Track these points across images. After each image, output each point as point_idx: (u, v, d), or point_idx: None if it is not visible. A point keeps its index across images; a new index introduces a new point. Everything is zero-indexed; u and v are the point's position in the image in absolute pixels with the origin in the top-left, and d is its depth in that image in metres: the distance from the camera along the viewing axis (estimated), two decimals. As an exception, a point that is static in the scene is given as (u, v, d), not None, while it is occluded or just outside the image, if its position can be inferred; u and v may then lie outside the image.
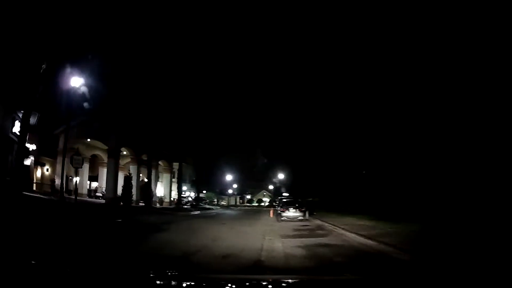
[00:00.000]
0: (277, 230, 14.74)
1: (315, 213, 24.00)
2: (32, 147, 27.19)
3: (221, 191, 74.94)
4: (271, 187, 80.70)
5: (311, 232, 14.10)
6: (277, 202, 29.84)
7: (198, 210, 31.17)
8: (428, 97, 20.84)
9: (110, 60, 29.20)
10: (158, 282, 2.35)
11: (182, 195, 57.11)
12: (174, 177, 74.03)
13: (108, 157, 30.92)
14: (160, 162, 43.24)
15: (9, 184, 17.82)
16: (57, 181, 31.38)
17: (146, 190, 32.09)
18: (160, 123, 42.14)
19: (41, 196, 22.06)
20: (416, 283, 2.63)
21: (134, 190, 31.35)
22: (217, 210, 39.27)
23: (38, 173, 33.35)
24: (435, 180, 19.75)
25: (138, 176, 34.18)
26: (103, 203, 28.77)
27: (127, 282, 2.30)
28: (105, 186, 36.99)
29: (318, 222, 19.22)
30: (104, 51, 27.23)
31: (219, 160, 66.97)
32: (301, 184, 45.29)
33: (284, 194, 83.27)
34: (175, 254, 7.49)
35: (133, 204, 29.69)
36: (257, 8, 46.83)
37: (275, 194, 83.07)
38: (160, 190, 45.49)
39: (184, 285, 2.36)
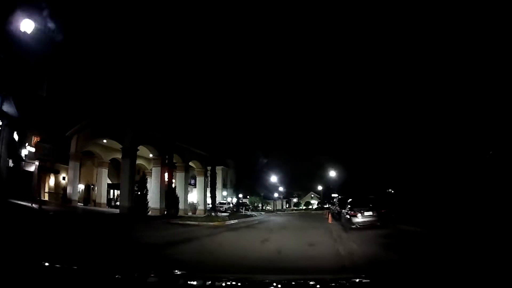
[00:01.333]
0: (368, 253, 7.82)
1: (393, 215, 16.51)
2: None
3: (266, 196, 67.94)
4: (319, 187, 72.70)
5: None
6: (336, 202, 22.42)
7: (236, 218, 24.77)
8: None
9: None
10: None
11: (221, 202, 51.85)
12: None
13: (122, 157, 25.50)
14: (192, 164, 37.54)
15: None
16: (69, 190, 26.95)
17: (170, 196, 26.21)
18: (190, 119, 36.70)
19: (27, 204, 16.93)
20: None
21: (154, 196, 25.75)
22: (260, 217, 32.59)
23: (52, 181, 28.98)
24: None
25: (163, 180, 28.47)
26: (114, 213, 23.38)
27: None
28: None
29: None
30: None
31: (263, 163, 60.16)
32: (359, 181, 37.25)
33: (334, 195, 76.11)
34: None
35: (152, 213, 23.96)
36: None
37: (325, 195, 75.27)
38: (194, 196, 39.83)
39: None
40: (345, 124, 52.33)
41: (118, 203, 29.86)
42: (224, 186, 70.73)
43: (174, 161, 33.71)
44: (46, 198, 26.32)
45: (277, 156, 64.57)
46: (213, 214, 26.61)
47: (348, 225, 14.35)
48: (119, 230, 14.48)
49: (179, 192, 34.30)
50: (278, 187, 68.88)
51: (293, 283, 2.80)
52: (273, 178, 61.98)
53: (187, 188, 35.66)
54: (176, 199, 27.00)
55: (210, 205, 53.70)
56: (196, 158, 36.50)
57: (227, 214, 33.79)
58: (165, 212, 26.30)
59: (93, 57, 27.52)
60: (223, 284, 2.58)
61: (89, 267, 3.02)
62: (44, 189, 27.08)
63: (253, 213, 35.65)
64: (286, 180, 71.20)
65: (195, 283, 2.37)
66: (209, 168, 40.62)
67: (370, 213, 14.13)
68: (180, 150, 32.85)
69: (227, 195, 69.81)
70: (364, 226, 13.68)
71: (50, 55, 18.44)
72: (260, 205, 68.41)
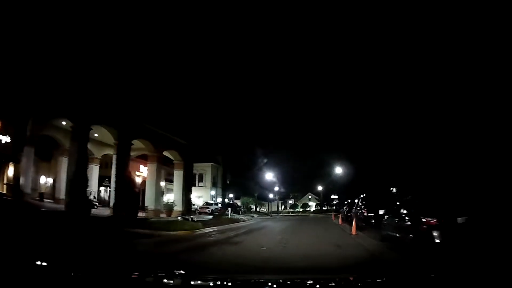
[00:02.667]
0: None
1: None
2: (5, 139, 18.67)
3: (260, 196, 60.65)
4: (319, 188, 65.90)
5: None
6: (360, 203, 15.41)
7: (216, 225, 18.04)
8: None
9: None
10: None
11: (208, 202, 45.10)
12: (201, 180, 62.59)
13: (71, 140, 19.07)
14: (169, 155, 30.66)
15: None
16: (22, 181, 20.65)
17: (126, 193, 19.29)
18: (168, 100, 29.84)
19: None
20: None
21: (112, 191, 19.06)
22: (251, 221, 25.66)
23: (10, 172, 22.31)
24: None
25: (123, 172, 21.50)
26: (56, 211, 16.80)
27: None
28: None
29: None
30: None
31: (258, 161, 53.01)
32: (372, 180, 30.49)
33: (333, 196, 69.68)
34: None
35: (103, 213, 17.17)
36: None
37: (325, 196, 68.59)
38: (174, 194, 32.88)
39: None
40: (354, 116, 45.73)
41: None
42: (214, 185, 63.84)
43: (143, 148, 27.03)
44: (4, 190, 20.34)
45: (274, 154, 57.70)
46: (185, 218, 19.61)
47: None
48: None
49: (149, 188, 27.57)
50: (273, 187, 62.02)
51: (289, 282, 2.72)
52: (269, 177, 54.66)
53: (160, 184, 28.76)
54: (135, 197, 20.06)
55: (198, 206, 47.06)
56: (173, 147, 29.56)
57: (211, 217, 27.01)
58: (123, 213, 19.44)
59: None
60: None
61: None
62: (3, 181, 20.76)
63: (242, 216, 28.66)
64: (283, 180, 64.21)
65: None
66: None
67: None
68: (150, 135, 25.98)
69: (216, 194, 62.93)
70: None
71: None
72: (253, 206, 61.63)
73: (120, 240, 10.12)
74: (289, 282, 2.67)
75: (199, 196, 58.02)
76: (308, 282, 2.66)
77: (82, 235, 10.36)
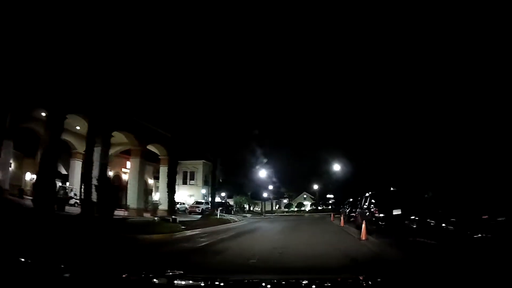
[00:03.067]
0: None
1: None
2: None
3: (254, 195, 58.35)
4: (315, 187, 63.82)
5: None
6: (368, 202, 13.10)
7: (201, 227, 15.81)
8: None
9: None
10: None
11: (198, 201, 42.92)
12: (193, 178, 60.18)
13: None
14: (154, 149, 28.38)
15: None
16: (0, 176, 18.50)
17: (105, 192, 16.97)
18: (152, 90, 27.51)
19: None
20: None
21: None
22: (242, 222, 23.44)
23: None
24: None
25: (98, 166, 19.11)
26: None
27: None
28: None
29: None
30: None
31: (250, 159, 50.68)
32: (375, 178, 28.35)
33: (329, 195, 67.62)
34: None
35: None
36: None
37: (321, 196, 66.53)
38: (159, 192, 30.51)
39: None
40: (352, 110, 43.54)
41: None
42: (206, 183, 61.44)
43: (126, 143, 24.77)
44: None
45: (269, 152, 55.44)
46: (165, 218, 17.26)
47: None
48: None
49: (132, 185, 25.26)
50: (268, 186, 59.82)
51: (284, 282, 2.75)
52: (263, 175, 52.27)
53: (143, 180, 26.44)
54: (112, 195, 17.75)
55: (187, 205, 44.71)
56: (158, 141, 27.22)
57: (200, 217, 24.77)
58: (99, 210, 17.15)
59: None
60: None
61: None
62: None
63: (233, 217, 26.34)
64: (277, 179, 62.01)
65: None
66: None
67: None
68: (132, 127, 23.67)
69: (208, 193, 60.57)
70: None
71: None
72: (246, 206, 59.44)
73: (67, 243, 7.80)
74: (283, 282, 2.69)
75: (191, 195, 55.77)
76: (304, 282, 2.67)
77: (27, 236, 8.05)
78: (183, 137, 29.46)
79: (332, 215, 24.55)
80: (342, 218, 17.13)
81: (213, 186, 26.74)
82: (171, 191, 27.12)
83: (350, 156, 33.73)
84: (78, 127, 23.19)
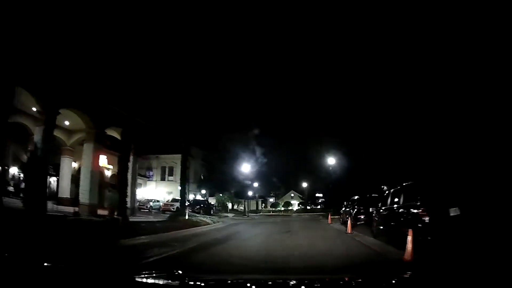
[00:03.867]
0: None
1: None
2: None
3: (238, 193, 53.40)
4: (304, 184, 59.53)
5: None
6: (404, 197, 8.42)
7: (154, 233, 10.98)
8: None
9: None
10: None
11: (175, 198, 38.30)
12: (171, 174, 55.03)
13: None
14: (114, 134, 23.39)
15: None
16: None
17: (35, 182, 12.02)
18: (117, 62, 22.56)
19: None
20: None
21: None
22: (218, 224, 18.57)
23: None
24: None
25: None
26: None
27: None
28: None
29: None
30: None
31: (235, 155, 45.77)
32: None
33: (318, 194, 63.54)
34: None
35: None
36: None
37: (310, 195, 62.35)
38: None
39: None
40: (351, 95, 39.22)
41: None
42: (188, 181, 56.64)
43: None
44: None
45: (254, 147, 50.79)
46: (115, 217, 12.41)
47: None
48: None
49: (84, 176, 20.38)
50: (253, 184, 55.23)
51: (270, 283, 2.68)
52: (247, 171, 47.23)
53: (96, 170, 21.39)
54: (40, 185, 12.80)
55: (157, 202, 39.74)
56: (118, 123, 22.20)
57: (167, 217, 19.96)
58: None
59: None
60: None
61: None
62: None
63: (207, 218, 20.94)
64: (263, 176, 57.48)
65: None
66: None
67: None
68: (83, 104, 18.65)
69: (187, 190, 55.64)
70: None
71: None
72: (230, 204, 54.79)
73: None
74: (270, 283, 2.60)
75: (169, 192, 51.07)
76: (291, 282, 2.56)
77: None
78: (149, 121, 24.54)
79: (329, 216, 19.95)
80: (349, 221, 12.49)
81: (183, 180, 21.88)
82: (122, 185, 22.22)
83: (346, 150, 29.34)
84: (34, 109, 18.53)
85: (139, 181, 53.32)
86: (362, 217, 14.00)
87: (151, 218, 20.22)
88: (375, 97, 25.95)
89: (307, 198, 62.30)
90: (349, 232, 12.27)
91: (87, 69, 19.01)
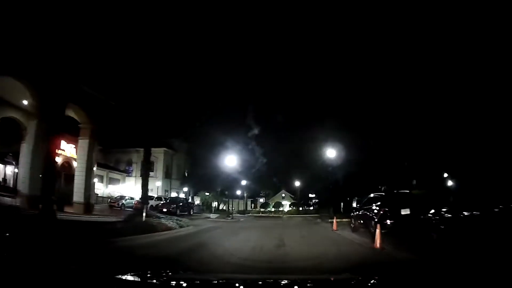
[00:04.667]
0: None
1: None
2: None
3: (224, 192, 48.45)
4: (297, 183, 55.13)
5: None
6: None
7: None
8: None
9: None
10: None
11: (157, 196, 34.46)
12: (152, 170, 50.15)
13: None
14: (74, 115, 18.89)
15: None
16: None
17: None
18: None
19: None
20: None
21: None
22: (185, 230, 13.73)
23: None
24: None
25: None
26: None
27: None
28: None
29: None
30: None
31: (222, 150, 40.96)
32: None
33: (311, 195, 59.34)
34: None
35: None
36: None
37: (303, 194, 57.99)
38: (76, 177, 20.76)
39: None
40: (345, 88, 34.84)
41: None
42: (168, 176, 52.03)
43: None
44: None
45: (243, 142, 46.17)
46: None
47: None
48: None
49: (25, 162, 16.18)
50: (241, 182, 50.74)
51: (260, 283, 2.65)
52: (235, 168, 42.19)
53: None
54: None
55: (131, 199, 34.99)
56: (78, 101, 17.59)
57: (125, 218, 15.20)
58: None
59: None
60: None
61: None
62: None
63: (174, 223, 15.81)
64: (253, 175, 52.86)
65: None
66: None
67: None
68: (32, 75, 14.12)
69: (168, 187, 51.07)
70: None
71: None
72: (216, 204, 50.34)
73: None
74: (260, 283, 2.58)
75: (150, 189, 46.26)
76: (282, 282, 2.55)
77: None
78: (113, 99, 19.91)
79: (335, 222, 15.09)
80: (378, 231, 7.86)
81: (146, 172, 17.14)
82: (88, 177, 17.62)
83: (348, 140, 24.87)
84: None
85: (116, 176, 48.70)
86: (389, 222, 9.54)
87: (101, 218, 15.61)
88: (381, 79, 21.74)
89: (299, 199, 58.04)
90: (376, 246, 7.78)
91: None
